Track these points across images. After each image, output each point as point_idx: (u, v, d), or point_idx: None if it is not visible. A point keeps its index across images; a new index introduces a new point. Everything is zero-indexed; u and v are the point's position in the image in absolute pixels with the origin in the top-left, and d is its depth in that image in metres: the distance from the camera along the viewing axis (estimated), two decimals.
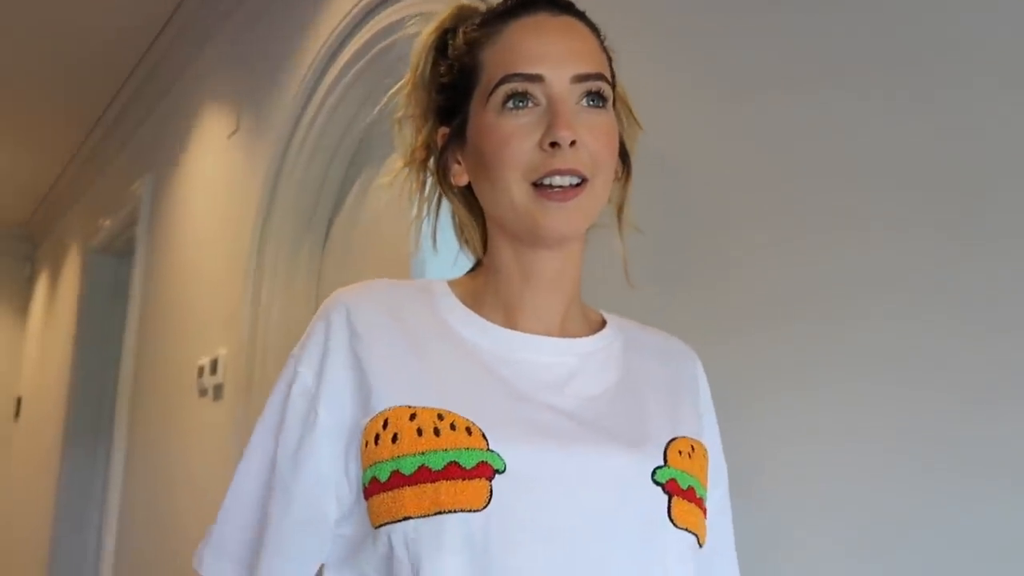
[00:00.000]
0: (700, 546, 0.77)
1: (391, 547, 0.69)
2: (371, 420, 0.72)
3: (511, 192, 0.75)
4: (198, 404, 2.58)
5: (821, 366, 0.96)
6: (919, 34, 0.92)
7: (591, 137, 0.75)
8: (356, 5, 2.00)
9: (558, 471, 0.70)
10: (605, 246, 0.86)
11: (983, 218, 0.85)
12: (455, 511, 0.67)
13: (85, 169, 4.34)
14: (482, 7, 0.83)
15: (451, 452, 0.69)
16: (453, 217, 0.87)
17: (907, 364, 0.89)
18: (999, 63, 0.85)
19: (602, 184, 0.77)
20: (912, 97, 0.92)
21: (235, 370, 2.33)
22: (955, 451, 0.84)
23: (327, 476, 0.74)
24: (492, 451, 0.69)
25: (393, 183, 0.86)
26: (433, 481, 0.68)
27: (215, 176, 2.81)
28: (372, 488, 0.71)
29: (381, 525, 0.70)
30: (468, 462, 0.69)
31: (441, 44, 0.83)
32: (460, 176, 0.82)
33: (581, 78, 0.76)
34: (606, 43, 0.82)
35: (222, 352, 2.44)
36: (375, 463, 0.71)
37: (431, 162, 0.85)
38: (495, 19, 0.79)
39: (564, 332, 0.81)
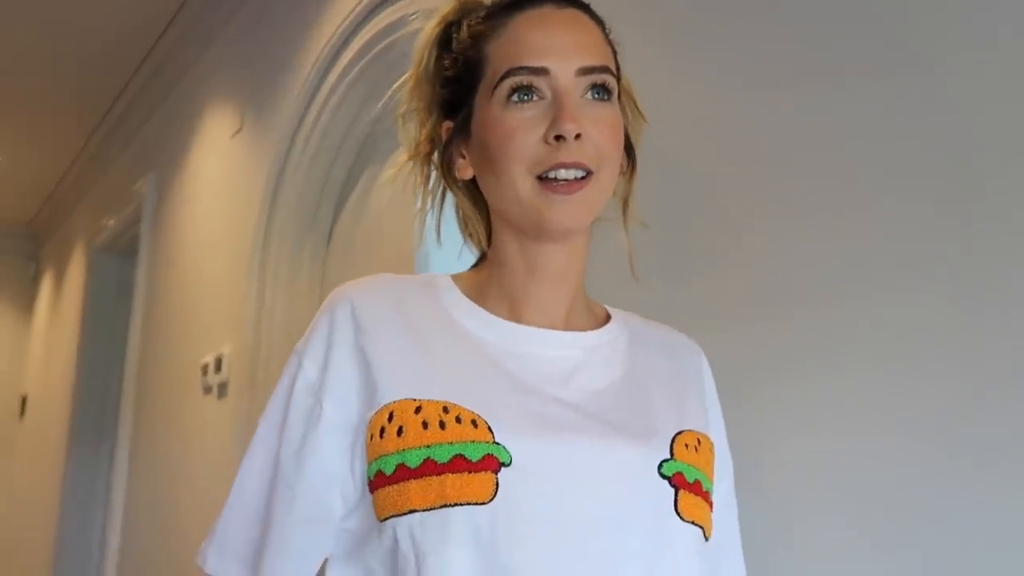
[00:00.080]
0: (706, 539, 0.76)
1: (396, 540, 0.69)
2: (376, 413, 0.72)
3: (516, 185, 0.75)
4: (202, 402, 2.59)
5: (822, 359, 0.96)
6: (919, 34, 0.92)
7: (596, 130, 0.75)
8: (358, 4, 2.00)
9: (564, 464, 0.70)
10: (607, 239, 0.85)
11: (983, 212, 0.85)
12: (461, 504, 0.67)
13: (89, 168, 4.35)
14: (486, 0, 0.83)
15: (457, 445, 0.69)
16: (457, 211, 0.87)
17: (908, 358, 0.89)
18: (999, 63, 0.85)
19: (607, 177, 0.77)
20: (912, 95, 0.92)
21: (239, 368, 2.33)
22: (955, 443, 0.84)
23: (332, 473, 0.74)
24: (498, 444, 0.69)
25: (397, 177, 0.86)
26: (439, 474, 0.68)
27: (218, 175, 2.81)
28: (377, 481, 0.71)
29: (386, 518, 0.70)
30: (474, 455, 0.68)
31: (445, 38, 0.83)
32: (464, 170, 0.81)
33: (586, 71, 0.76)
34: (611, 35, 0.82)
35: (226, 350, 2.45)
36: (380, 456, 0.71)
37: (435, 156, 0.85)
38: (500, 12, 0.79)
39: (569, 326, 0.81)
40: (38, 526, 4.29)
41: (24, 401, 5.28)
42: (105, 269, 4.09)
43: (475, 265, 0.86)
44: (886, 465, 0.89)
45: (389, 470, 0.70)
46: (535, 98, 0.75)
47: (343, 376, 0.75)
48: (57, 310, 4.79)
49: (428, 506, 0.68)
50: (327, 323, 0.77)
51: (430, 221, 0.87)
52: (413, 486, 0.69)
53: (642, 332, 0.86)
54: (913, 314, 0.89)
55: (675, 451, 0.76)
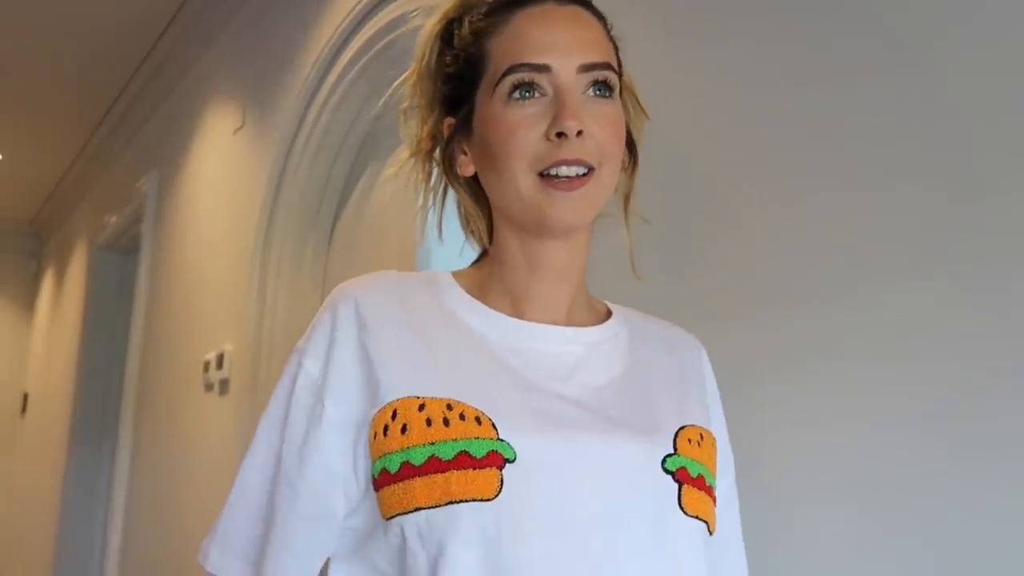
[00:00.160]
0: (710, 534, 0.76)
1: (404, 538, 0.69)
2: (379, 411, 0.72)
3: (517, 182, 0.75)
4: (204, 399, 2.59)
5: (822, 355, 0.97)
6: (919, 34, 0.92)
7: (598, 127, 0.75)
8: (359, 2, 2.00)
9: (568, 460, 0.70)
10: (609, 236, 0.86)
11: (983, 210, 0.85)
12: (467, 500, 0.67)
13: (91, 166, 4.35)
14: None
15: (461, 442, 0.69)
16: (459, 207, 0.87)
17: (907, 354, 0.89)
18: (999, 63, 0.85)
19: (609, 174, 0.77)
20: (912, 94, 0.92)
21: (241, 366, 2.33)
22: (954, 439, 0.84)
23: (335, 471, 0.74)
24: (502, 440, 0.69)
25: (399, 174, 0.86)
26: (444, 471, 0.68)
27: (220, 173, 2.81)
28: (382, 480, 0.71)
29: (392, 516, 0.70)
30: (478, 451, 0.68)
31: (447, 34, 0.83)
32: (466, 166, 0.81)
33: (588, 67, 0.76)
34: (613, 32, 0.82)
35: (228, 348, 2.45)
36: (384, 454, 0.71)
37: (437, 152, 0.85)
38: (501, 8, 0.79)
39: (570, 322, 0.81)
40: (39, 524, 4.29)
41: (25, 399, 5.29)
42: (107, 267, 4.09)
43: (476, 262, 0.86)
44: (885, 460, 0.89)
45: (393, 468, 0.70)
46: (537, 95, 0.75)
47: (345, 374, 0.75)
48: (59, 308, 4.79)
49: (434, 503, 0.68)
50: (330, 320, 0.77)
51: (432, 218, 0.87)
52: (418, 484, 0.69)
53: (643, 328, 0.86)
54: (912, 310, 0.89)
55: (678, 446, 0.76)
